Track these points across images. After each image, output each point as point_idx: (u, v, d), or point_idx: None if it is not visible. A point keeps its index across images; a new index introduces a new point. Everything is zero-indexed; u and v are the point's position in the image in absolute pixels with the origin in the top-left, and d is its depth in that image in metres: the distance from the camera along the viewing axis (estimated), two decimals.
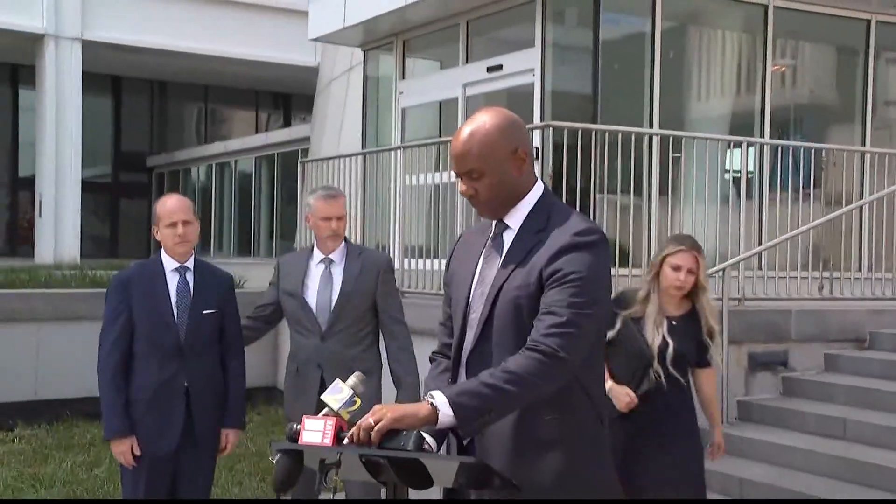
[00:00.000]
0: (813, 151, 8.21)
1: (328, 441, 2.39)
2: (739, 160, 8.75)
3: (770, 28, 9.19)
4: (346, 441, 2.38)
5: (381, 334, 4.74)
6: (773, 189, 8.42)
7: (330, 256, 4.65)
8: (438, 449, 2.54)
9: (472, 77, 9.61)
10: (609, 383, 4.18)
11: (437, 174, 8.60)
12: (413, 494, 2.42)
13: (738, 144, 8.50)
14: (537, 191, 2.62)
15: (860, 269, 8.18)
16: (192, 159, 23.45)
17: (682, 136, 7.71)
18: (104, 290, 4.43)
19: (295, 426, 2.45)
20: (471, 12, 9.61)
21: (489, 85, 9.45)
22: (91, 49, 19.62)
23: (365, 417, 2.35)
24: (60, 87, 19.23)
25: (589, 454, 2.58)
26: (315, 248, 4.71)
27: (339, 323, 4.57)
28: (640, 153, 7.57)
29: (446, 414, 2.34)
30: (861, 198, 8.38)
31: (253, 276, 10.51)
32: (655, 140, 7.76)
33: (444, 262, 3.07)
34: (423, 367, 3.19)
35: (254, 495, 6.43)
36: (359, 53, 11.62)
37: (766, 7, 9.17)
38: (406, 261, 8.43)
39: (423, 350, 3.53)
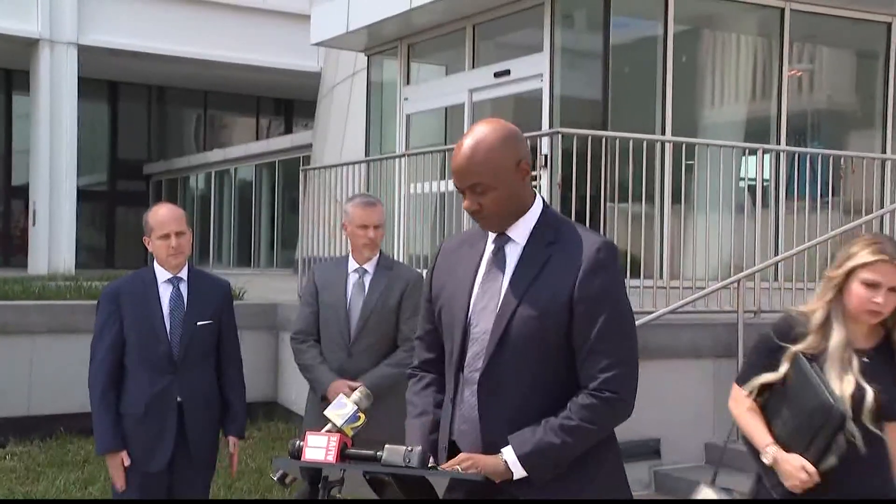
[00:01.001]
0: (831, 159, 8.06)
1: (331, 458, 2.38)
2: (755, 168, 8.66)
3: (786, 31, 9.19)
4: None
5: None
6: (789, 197, 8.27)
7: (365, 267, 4.57)
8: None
9: (478, 82, 9.65)
10: (772, 451, 3.06)
11: (443, 182, 8.50)
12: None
13: (753, 151, 8.37)
14: (538, 203, 2.63)
15: None
16: (191, 167, 23.35)
17: (696, 143, 7.66)
18: None
19: (298, 442, 2.43)
20: (477, 16, 9.64)
21: (496, 90, 9.49)
22: (87, 54, 19.53)
23: (451, 463, 2.44)
24: (56, 93, 19.13)
25: (613, 476, 2.60)
26: (350, 256, 4.64)
27: (364, 339, 4.46)
28: (651, 161, 7.44)
29: (520, 472, 2.44)
30: (881, 207, 8.25)
31: (253, 287, 10.35)
32: (668, 147, 7.61)
33: None
34: None
35: None
36: (362, 58, 11.68)
37: (782, 10, 9.17)
38: None
39: None
